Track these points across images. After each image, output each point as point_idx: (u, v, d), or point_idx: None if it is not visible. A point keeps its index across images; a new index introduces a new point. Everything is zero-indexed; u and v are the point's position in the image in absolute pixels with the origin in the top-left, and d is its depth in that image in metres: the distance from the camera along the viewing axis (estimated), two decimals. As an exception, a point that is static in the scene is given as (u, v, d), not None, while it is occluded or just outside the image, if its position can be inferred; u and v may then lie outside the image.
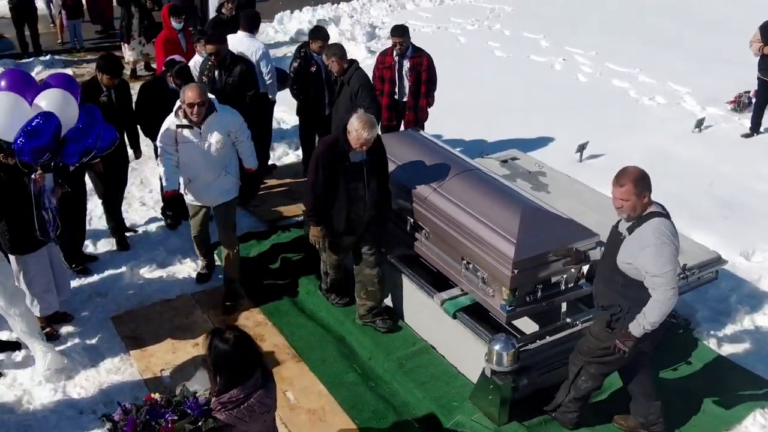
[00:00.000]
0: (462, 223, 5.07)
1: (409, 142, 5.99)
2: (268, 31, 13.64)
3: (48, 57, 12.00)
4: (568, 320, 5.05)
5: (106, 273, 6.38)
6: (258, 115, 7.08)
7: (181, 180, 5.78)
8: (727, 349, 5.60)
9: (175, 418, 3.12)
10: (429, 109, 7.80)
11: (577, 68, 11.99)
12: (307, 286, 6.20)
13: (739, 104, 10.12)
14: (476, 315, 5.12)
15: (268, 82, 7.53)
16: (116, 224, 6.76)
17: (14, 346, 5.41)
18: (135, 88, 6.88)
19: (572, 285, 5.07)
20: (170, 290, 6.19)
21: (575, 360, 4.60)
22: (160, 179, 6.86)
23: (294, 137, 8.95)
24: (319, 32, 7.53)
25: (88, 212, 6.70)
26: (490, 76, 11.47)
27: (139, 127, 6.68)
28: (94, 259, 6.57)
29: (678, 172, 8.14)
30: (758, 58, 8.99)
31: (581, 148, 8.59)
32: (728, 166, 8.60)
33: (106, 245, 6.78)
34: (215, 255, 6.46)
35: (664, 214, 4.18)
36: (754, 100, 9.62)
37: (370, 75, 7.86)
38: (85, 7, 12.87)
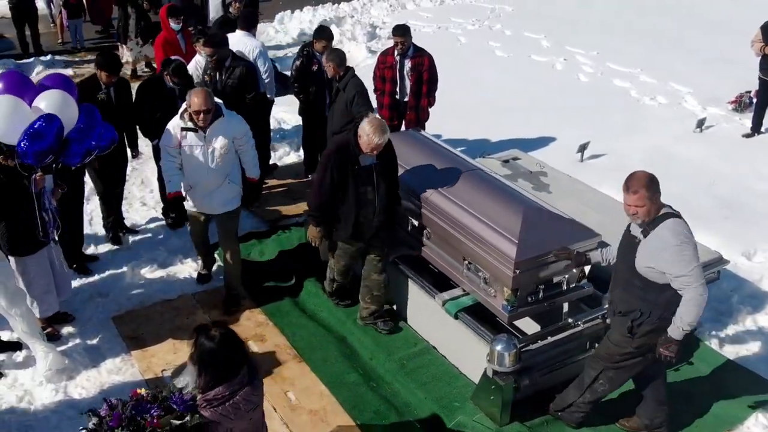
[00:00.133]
0: (463, 224, 5.06)
1: (411, 142, 5.98)
2: (269, 30, 13.64)
3: (48, 57, 11.99)
4: (570, 320, 5.04)
5: (107, 273, 6.38)
6: (257, 115, 7.08)
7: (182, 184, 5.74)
8: (728, 350, 5.60)
9: (161, 413, 3.13)
10: (430, 109, 7.81)
11: (578, 68, 11.98)
12: (308, 286, 6.20)
13: (740, 104, 10.12)
14: (478, 315, 5.12)
15: (266, 81, 7.54)
16: (113, 221, 6.76)
17: (15, 346, 5.41)
18: (136, 87, 6.88)
19: (574, 285, 5.07)
20: (171, 290, 6.19)
21: (594, 365, 4.57)
22: (159, 180, 6.88)
23: (295, 137, 8.95)
24: (323, 32, 7.55)
25: (89, 213, 6.70)
26: (491, 76, 11.46)
27: (138, 126, 6.68)
28: (95, 259, 6.57)
29: (679, 172, 8.14)
30: (759, 58, 8.98)
31: (582, 148, 8.58)
32: (729, 166, 8.60)
33: (107, 245, 6.78)
34: (216, 255, 6.45)
35: (676, 213, 4.17)
36: (755, 100, 9.61)
37: (371, 75, 7.89)
38: (85, 7, 12.87)
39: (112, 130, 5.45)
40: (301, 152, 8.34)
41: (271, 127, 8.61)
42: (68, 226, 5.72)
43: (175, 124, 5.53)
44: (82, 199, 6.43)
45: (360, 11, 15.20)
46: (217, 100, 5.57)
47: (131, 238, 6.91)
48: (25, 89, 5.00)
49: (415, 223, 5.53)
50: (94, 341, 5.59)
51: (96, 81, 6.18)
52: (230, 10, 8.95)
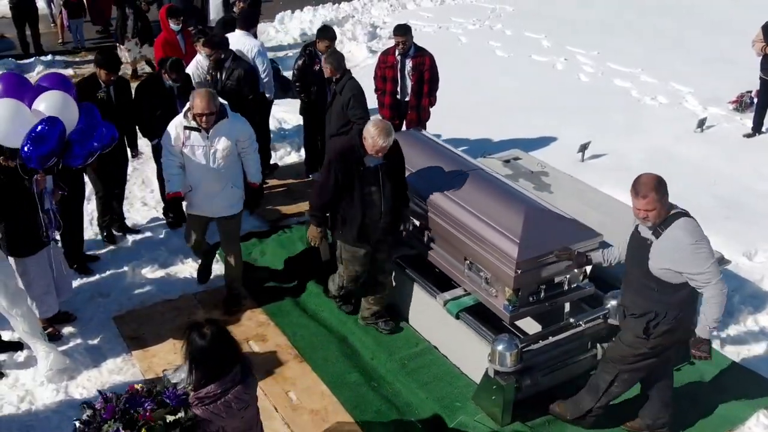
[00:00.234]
0: (465, 223, 5.06)
1: (412, 142, 5.97)
2: (269, 30, 13.64)
3: (49, 57, 11.99)
4: (572, 320, 5.05)
5: (108, 273, 6.38)
6: (257, 115, 7.08)
7: None
8: (729, 350, 5.59)
9: (154, 407, 3.14)
10: (431, 109, 7.80)
11: (579, 68, 11.98)
12: (309, 286, 6.19)
13: (741, 104, 10.12)
14: (479, 315, 5.12)
15: (264, 80, 7.53)
16: (110, 220, 6.76)
17: (16, 346, 5.40)
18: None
19: (575, 285, 5.07)
20: (172, 290, 6.19)
21: (608, 369, 4.54)
22: (159, 179, 6.87)
23: (295, 137, 8.95)
24: (327, 32, 7.54)
25: (89, 213, 6.69)
26: (492, 76, 11.46)
27: (137, 126, 6.68)
28: (96, 259, 6.57)
29: (680, 172, 8.12)
30: (760, 58, 8.98)
31: (583, 148, 8.59)
32: (730, 166, 8.60)
33: (108, 245, 6.77)
34: (216, 255, 6.44)
35: (685, 212, 4.17)
36: (756, 100, 9.61)
37: (372, 75, 7.88)
38: (85, 7, 12.87)
39: (112, 128, 5.44)
40: (302, 152, 8.34)
41: (272, 127, 8.61)
42: (69, 226, 5.72)
43: (178, 123, 5.48)
44: (83, 200, 6.42)
45: (360, 11, 15.21)
46: (222, 101, 5.53)
47: (132, 238, 6.90)
48: (24, 91, 4.98)
49: (417, 222, 5.53)
50: (95, 341, 5.58)
51: (95, 79, 6.19)
52: (234, 9, 8.95)
